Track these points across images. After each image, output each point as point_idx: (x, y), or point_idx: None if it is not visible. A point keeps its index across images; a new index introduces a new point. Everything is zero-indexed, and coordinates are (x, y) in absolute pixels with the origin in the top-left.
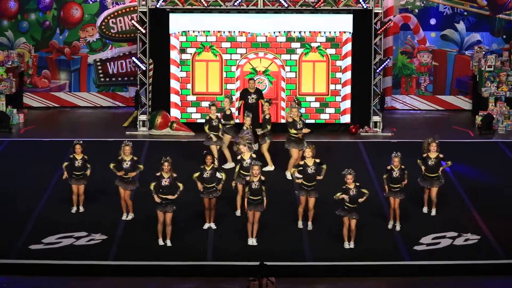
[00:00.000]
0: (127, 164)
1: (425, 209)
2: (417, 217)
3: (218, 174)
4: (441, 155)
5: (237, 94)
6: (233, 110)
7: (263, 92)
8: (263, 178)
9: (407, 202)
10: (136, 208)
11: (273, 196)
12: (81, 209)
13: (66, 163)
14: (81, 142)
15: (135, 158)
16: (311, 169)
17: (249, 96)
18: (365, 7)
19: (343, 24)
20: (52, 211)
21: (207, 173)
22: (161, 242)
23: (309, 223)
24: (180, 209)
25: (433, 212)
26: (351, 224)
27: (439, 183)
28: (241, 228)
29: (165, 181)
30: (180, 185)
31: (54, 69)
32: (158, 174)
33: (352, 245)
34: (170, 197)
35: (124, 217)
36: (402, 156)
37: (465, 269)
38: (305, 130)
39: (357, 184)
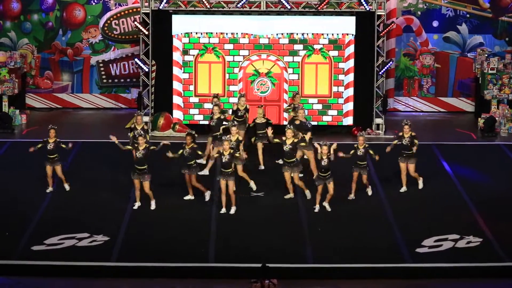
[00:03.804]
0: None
1: (403, 189)
2: (419, 220)
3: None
4: (413, 133)
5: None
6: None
7: (264, 94)
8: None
9: (409, 206)
10: (137, 208)
11: (274, 198)
12: (66, 187)
13: (40, 145)
14: (55, 127)
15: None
16: (287, 147)
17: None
18: (368, 9)
19: (346, 26)
20: (54, 212)
21: (186, 152)
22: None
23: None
24: (180, 210)
25: (421, 184)
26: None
27: (414, 160)
28: (242, 230)
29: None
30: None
31: (57, 70)
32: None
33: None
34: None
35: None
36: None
37: (468, 271)
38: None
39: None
